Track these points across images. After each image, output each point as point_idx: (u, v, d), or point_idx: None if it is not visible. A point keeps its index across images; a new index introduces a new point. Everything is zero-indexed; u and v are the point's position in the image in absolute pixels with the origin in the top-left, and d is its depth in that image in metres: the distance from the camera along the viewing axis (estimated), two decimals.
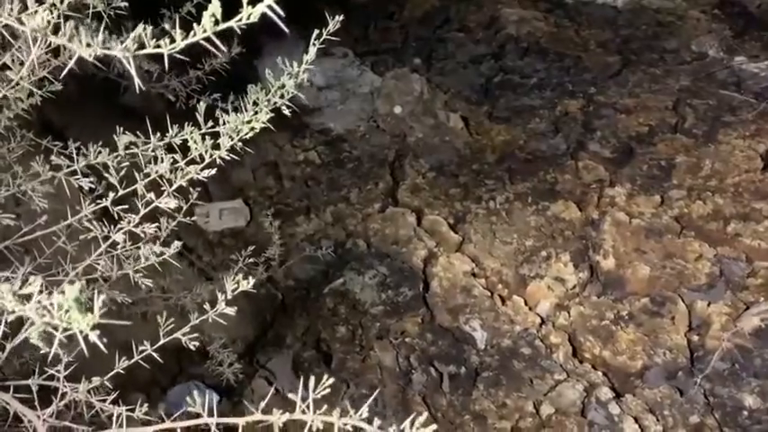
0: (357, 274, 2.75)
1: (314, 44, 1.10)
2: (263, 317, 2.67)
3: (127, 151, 1.03)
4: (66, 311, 0.51)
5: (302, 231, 2.98)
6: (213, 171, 1.11)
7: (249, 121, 1.10)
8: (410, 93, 3.58)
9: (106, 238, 1.04)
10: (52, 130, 1.28)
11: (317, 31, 1.11)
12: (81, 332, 0.52)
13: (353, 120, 3.57)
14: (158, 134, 1.05)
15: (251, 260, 2.03)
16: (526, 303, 2.57)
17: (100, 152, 1.02)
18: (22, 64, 0.86)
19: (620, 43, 4.21)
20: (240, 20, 0.71)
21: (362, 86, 3.73)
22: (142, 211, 1.04)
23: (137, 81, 0.67)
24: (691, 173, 3.06)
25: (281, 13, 0.70)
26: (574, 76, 3.86)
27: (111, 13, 1.07)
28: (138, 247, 1.06)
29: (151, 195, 1.03)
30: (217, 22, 0.70)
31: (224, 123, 1.05)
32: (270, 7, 0.68)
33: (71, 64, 0.75)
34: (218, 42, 0.73)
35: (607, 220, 2.78)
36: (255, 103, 1.09)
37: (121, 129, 1.02)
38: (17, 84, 0.98)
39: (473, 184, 3.16)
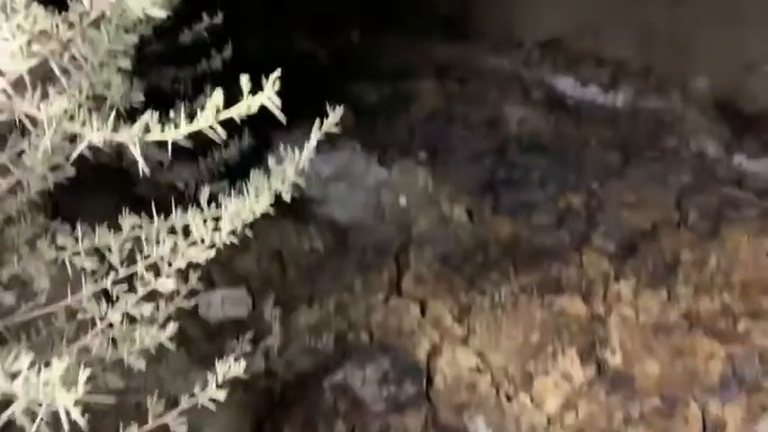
0: (358, 367, 2.68)
1: (317, 133, 1.14)
2: (260, 410, 2.58)
3: (131, 233, 1.05)
4: (51, 387, 0.50)
5: (304, 321, 2.94)
6: (212, 253, 1.11)
7: (251, 206, 1.12)
8: (415, 185, 3.65)
9: (102, 318, 1.03)
10: (63, 214, 1.30)
11: (318, 122, 1.15)
12: (64, 408, 0.51)
13: (359, 210, 3.62)
14: (162, 217, 1.07)
15: (249, 349, 1.99)
16: (532, 401, 2.48)
17: (105, 234, 1.04)
18: (38, 148, 0.89)
19: (621, 141, 4.34)
20: (240, 110, 0.74)
21: (369, 178, 3.81)
22: (140, 292, 1.04)
23: (142, 165, 0.69)
24: (697, 269, 3.04)
25: (279, 103, 0.73)
26: (576, 172, 3.94)
27: (127, 105, 1.12)
28: (135, 329, 1.05)
29: (150, 276, 1.04)
30: (218, 111, 0.73)
31: (226, 207, 1.07)
32: (269, 98, 0.72)
33: (81, 147, 0.78)
34: (220, 130, 0.75)
35: (613, 316, 2.74)
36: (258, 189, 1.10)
37: (127, 210, 1.04)
38: (32, 169, 1.02)
39: (478, 277, 3.15)
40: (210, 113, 0.72)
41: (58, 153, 0.95)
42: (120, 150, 1.74)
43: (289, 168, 1.01)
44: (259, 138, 4.35)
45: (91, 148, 0.93)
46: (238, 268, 3.32)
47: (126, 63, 0.92)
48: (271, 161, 1.04)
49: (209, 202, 1.10)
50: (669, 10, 6.23)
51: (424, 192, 3.67)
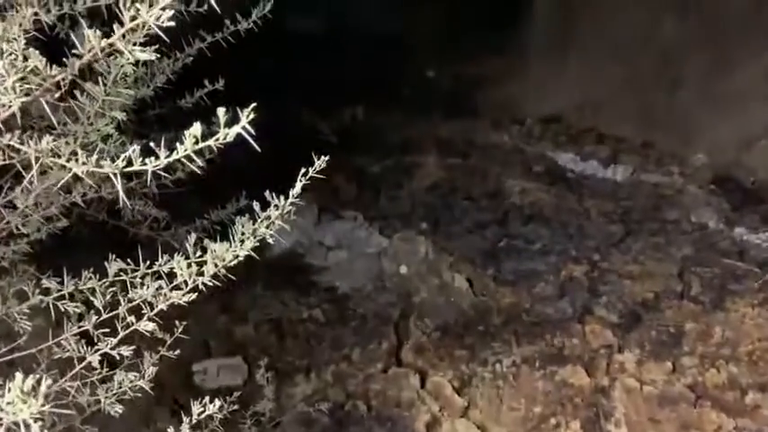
0: None
1: (300, 181, 1.15)
2: None
3: (116, 278, 1.05)
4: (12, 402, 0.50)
5: (301, 391, 2.88)
6: (195, 296, 1.11)
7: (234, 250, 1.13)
8: (416, 253, 3.66)
9: (82, 359, 1.02)
10: (55, 266, 1.31)
11: (302, 171, 1.17)
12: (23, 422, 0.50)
13: (360, 278, 3.61)
14: (148, 262, 1.08)
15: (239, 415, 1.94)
16: None
17: (90, 278, 1.04)
18: (30, 193, 0.92)
19: (622, 213, 4.37)
20: (218, 139, 0.77)
21: (370, 247, 3.83)
22: (121, 334, 1.03)
23: (122, 196, 0.71)
24: (701, 340, 2.98)
25: (252, 132, 0.76)
26: (577, 243, 3.95)
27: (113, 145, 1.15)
28: (114, 373, 1.04)
29: (132, 319, 1.03)
30: (197, 141, 0.76)
31: (212, 251, 1.08)
32: (243, 128, 0.74)
33: (73, 196, 0.80)
34: (198, 161, 0.78)
35: (617, 387, 2.67)
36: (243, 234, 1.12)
37: (113, 256, 1.06)
38: (26, 216, 1.04)
39: (479, 346, 3.09)
40: (189, 143, 0.75)
41: (50, 201, 0.98)
42: (119, 209, 1.78)
43: (273, 213, 1.02)
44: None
45: (86, 202, 0.95)
46: (236, 338, 3.29)
47: (121, 115, 0.96)
48: (256, 207, 1.05)
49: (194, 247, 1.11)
50: (667, 90, 6.44)
51: (425, 260, 3.67)
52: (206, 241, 1.07)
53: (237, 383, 2.95)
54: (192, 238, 1.04)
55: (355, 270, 3.69)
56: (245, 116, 0.75)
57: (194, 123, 0.74)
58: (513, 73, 8.09)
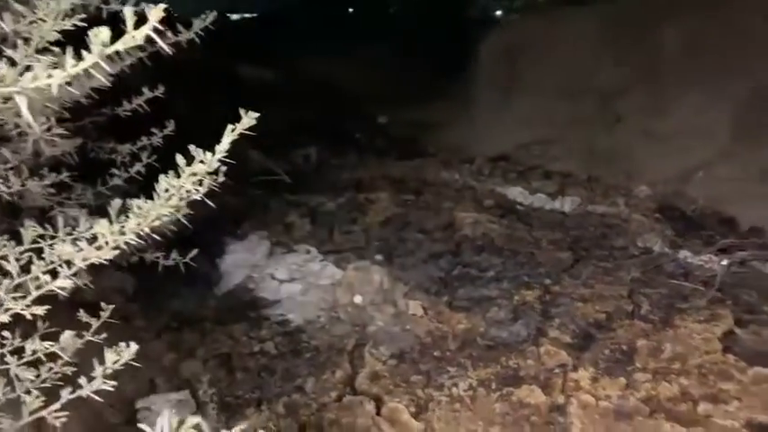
0: None
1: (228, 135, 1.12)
2: None
3: (33, 245, 0.99)
4: None
5: (250, 425, 2.75)
6: (117, 252, 1.05)
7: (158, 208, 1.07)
8: (371, 283, 3.62)
9: None
10: None
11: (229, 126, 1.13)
12: None
13: (313, 310, 3.54)
14: (68, 228, 1.03)
15: None
16: None
17: (4, 245, 0.98)
18: None
19: (571, 242, 4.46)
20: (126, 42, 0.75)
21: (324, 279, 3.78)
22: (34, 294, 0.96)
23: (30, 120, 0.68)
24: (653, 356, 3.02)
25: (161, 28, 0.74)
26: (529, 270, 3.99)
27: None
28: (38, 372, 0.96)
29: (47, 278, 0.97)
30: (105, 46, 0.73)
31: (136, 207, 1.03)
32: (151, 29, 0.72)
33: None
34: (106, 67, 0.75)
35: (573, 404, 2.66)
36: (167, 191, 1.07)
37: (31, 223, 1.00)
38: None
39: (435, 372, 3.04)
40: (97, 49, 0.71)
41: None
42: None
43: (198, 167, 0.99)
44: (212, 247, 4.35)
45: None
46: (183, 374, 3.15)
47: None
48: (181, 161, 1.02)
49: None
50: (609, 128, 6.73)
51: (380, 290, 3.64)
52: (128, 201, 1.02)
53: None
54: (118, 203, 0.99)
55: (308, 302, 3.63)
56: (155, 16, 0.72)
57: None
58: (461, 116, 8.33)
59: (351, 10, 16.41)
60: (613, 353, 3.07)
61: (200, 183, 1.04)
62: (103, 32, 0.71)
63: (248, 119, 1.02)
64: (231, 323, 3.50)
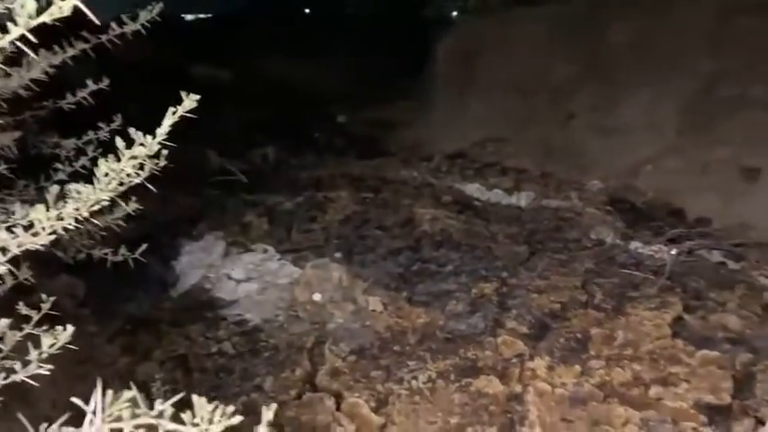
0: None
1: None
2: None
3: None
4: None
5: None
6: (53, 237, 1.01)
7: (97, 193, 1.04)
8: (330, 280, 3.61)
9: None
10: None
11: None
12: None
13: (271, 309, 3.51)
14: (3, 217, 0.99)
15: None
16: None
17: None
18: None
19: (527, 235, 4.54)
20: (52, 14, 0.73)
21: (282, 278, 3.75)
22: None
23: None
24: (606, 343, 3.09)
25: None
26: (486, 264, 4.04)
27: None
28: None
29: None
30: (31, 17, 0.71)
31: (75, 192, 1.00)
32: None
33: None
34: (31, 38, 0.73)
35: (530, 392, 2.70)
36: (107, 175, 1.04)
37: None
38: None
39: (395, 366, 3.05)
40: (23, 20, 0.69)
41: None
42: None
43: (138, 150, 0.96)
44: (168, 248, 4.27)
45: None
46: (138, 377, 3.08)
47: None
48: (120, 144, 0.99)
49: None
50: (561, 125, 6.88)
51: (340, 287, 3.63)
52: (68, 186, 0.98)
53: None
54: (55, 188, 0.96)
55: (266, 301, 3.59)
56: None
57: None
58: (419, 115, 8.40)
59: (307, 11, 16.34)
60: (568, 341, 3.14)
61: (141, 167, 1.02)
62: (29, 4, 0.69)
63: (189, 101, 1.00)
64: (187, 324, 3.44)
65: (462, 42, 8.41)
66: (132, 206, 1.66)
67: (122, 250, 1.73)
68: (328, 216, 4.96)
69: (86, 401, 2.49)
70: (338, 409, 2.77)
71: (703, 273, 3.86)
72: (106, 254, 1.70)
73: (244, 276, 3.75)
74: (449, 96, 8.17)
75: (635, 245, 4.24)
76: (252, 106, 8.50)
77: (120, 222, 1.68)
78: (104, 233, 1.73)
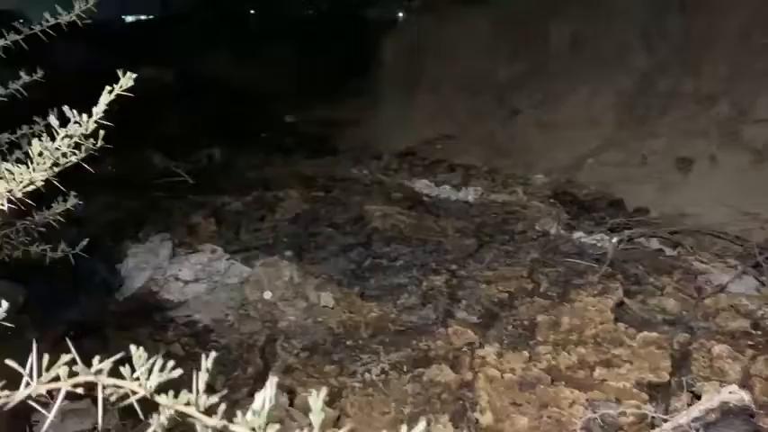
0: None
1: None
2: None
3: None
4: None
5: (159, 426, 2.66)
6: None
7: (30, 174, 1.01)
8: (280, 278, 3.59)
9: None
10: None
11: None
12: None
13: (221, 309, 3.46)
14: None
15: None
16: None
17: None
18: None
19: (475, 229, 4.62)
20: None
21: (231, 277, 3.70)
22: None
23: None
24: (552, 329, 3.19)
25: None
26: (436, 257, 4.10)
27: None
28: None
29: None
30: None
31: (6, 172, 0.96)
32: None
33: None
34: None
35: (481, 379, 2.76)
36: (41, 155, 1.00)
37: None
38: None
39: (348, 360, 3.06)
40: None
41: None
42: None
43: (73, 129, 0.93)
44: (114, 250, 4.16)
45: None
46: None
47: None
48: (54, 122, 0.96)
49: None
50: (506, 122, 7.04)
51: (291, 285, 3.61)
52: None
53: (86, 428, 2.66)
54: None
55: (215, 301, 3.54)
56: None
57: None
58: (368, 114, 8.44)
59: (252, 12, 16.17)
60: (516, 329, 3.22)
61: (78, 147, 0.99)
62: None
63: (126, 79, 0.99)
64: (135, 327, 3.36)
65: (409, 42, 8.50)
66: (72, 201, 1.62)
67: (62, 245, 1.68)
68: (278, 215, 4.94)
69: (31, 414, 2.39)
70: (291, 404, 2.76)
71: (642, 259, 4.01)
72: (44, 251, 1.64)
73: (192, 277, 3.68)
74: (396, 95, 8.24)
75: (578, 235, 4.37)
76: (197, 107, 8.35)
77: (61, 219, 1.63)
78: (43, 229, 1.68)
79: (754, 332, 3.16)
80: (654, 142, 5.40)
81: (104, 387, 0.72)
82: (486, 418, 2.53)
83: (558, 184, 5.58)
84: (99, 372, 0.67)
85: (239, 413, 0.65)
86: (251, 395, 2.83)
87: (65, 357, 0.67)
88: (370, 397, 2.77)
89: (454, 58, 7.67)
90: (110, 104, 1.04)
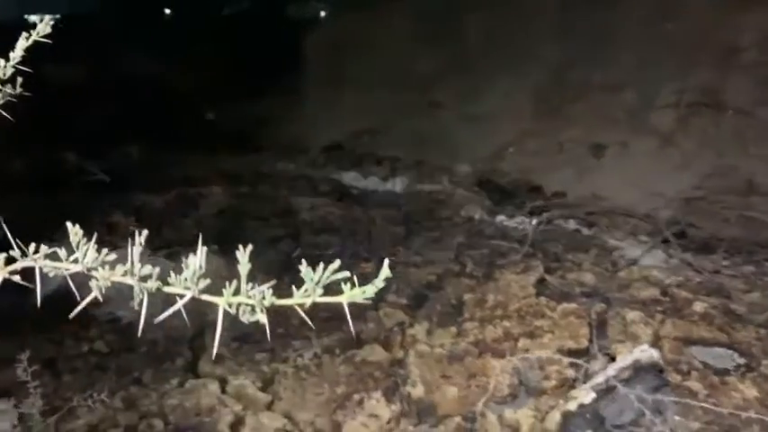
0: None
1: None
2: None
3: None
4: None
5: (85, 423, 2.56)
6: None
7: None
8: (207, 272, 3.52)
9: None
10: None
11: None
12: None
13: (146, 305, 3.36)
14: None
15: None
16: None
17: None
18: None
19: (403, 217, 4.71)
20: None
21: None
22: None
23: None
24: (479, 306, 3.30)
25: None
26: (366, 246, 4.15)
27: None
28: None
29: None
30: None
31: None
32: None
33: None
34: None
35: (411, 355, 2.83)
36: None
37: None
38: None
39: (280, 347, 3.05)
40: None
41: None
42: None
43: None
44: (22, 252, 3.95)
45: None
46: (2, 383, 2.84)
47: None
48: None
49: None
50: (429, 114, 7.17)
51: (218, 278, 3.54)
52: None
53: (7, 428, 2.54)
54: None
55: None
56: None
57: None
58: (293, 110, 8.37)
59: (168, 11, 15.68)
60: (444, 308, 3.31)
61: None
62: None
63: (44, 25, 0.96)
64: (54, 328, 3.21)
65: (331, 38, 8.51)
66: None
67: None
68: (202, 211, 4.84)
69: None
70: (223, 392, 2.73)
71: (561, 239, 4.22)
72: None
73: None
74: (320, 92, 8.22)
75: (500, 219, 4.54)
76: (112, 105, 8.03)
77: None
78: None
79: (663, 299, 3.40)
80: (569, 130, 5.67)
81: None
82: (418, 391, 2.59)
83: (482, 173, 5.76)
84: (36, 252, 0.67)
85: (173, 273, 0.69)
86: (181, 385, 2.78)
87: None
88: (304, 380, 2.78)
89: (376, 53, 7.74)
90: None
